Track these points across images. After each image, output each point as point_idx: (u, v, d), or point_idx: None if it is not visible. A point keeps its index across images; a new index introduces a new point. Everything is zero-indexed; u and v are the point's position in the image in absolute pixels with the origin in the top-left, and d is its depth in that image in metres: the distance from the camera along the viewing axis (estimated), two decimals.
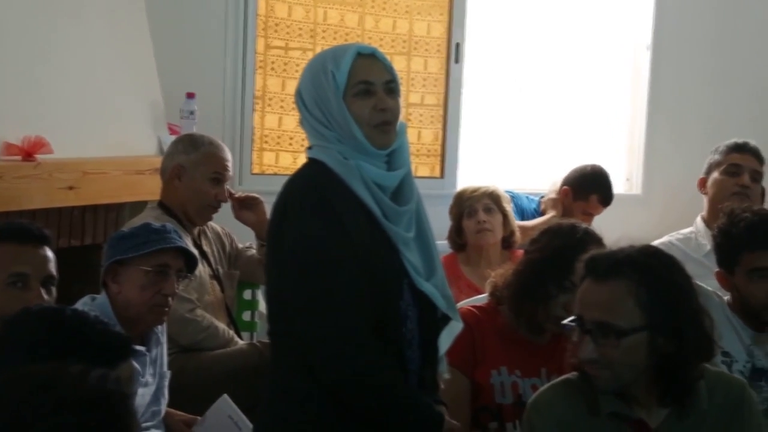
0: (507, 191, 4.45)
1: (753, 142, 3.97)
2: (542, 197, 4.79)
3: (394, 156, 2.30)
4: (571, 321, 2.08)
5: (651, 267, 2.08)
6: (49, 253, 2.47)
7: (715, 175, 3.89)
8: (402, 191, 2.30)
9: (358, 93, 2.24)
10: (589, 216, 4.55)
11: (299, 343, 2.21)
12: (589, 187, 4.61)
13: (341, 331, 2.15)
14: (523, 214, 4.61)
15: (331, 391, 2.19)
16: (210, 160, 3.62)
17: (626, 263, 2.07)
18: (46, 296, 2.42)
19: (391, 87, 2.29)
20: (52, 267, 2.46)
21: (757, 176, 3.90)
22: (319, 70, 2.28)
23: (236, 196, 3.74)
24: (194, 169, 3.59)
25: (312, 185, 2.24)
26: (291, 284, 2.21)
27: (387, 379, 2.20)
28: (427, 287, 2.27)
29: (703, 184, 3.93)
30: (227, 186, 3.68)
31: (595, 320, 2.03)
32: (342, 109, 2.23)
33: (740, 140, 3.96)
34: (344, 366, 2.16)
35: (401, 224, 2.27)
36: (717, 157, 3.93)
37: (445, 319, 2.36)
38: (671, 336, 2.04)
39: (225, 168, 3.64)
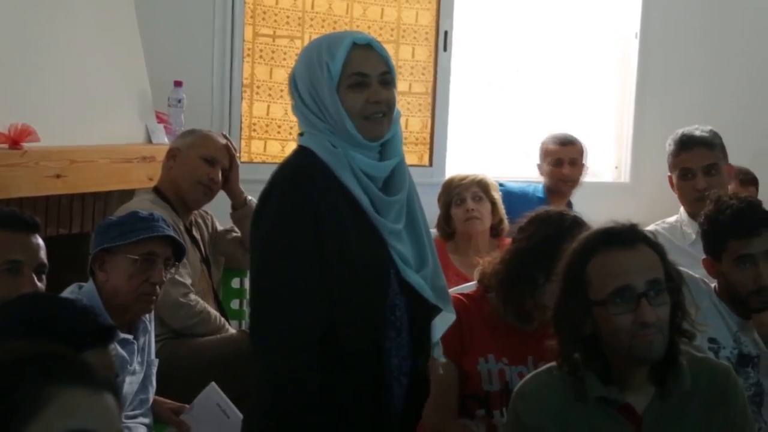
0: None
1: (701, 130, 3.77)
2: None
3: (387, 146, 2.29)
4: (614, 294, 2.06)
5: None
6: (41, 242, 2.48)
7: (675, 178, 3.77)
8: (393, 181, 2.29)
9: (351, 85, 2.23)
10: (562, 165, 4.69)
11: (251, 328, 2.26)
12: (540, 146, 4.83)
13: (282, 329, 2.15)
14: None
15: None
16: (204, 142, 3.69)
17: (635, 229, 2.14)
18: (39, 284, 2.42)
19: (386, 78, 2.27)
20: (44, 255, 2.46)
21: (713, 168, 3.69)
22: (313, 59, 2.25)
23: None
24: (188, 149, 3.65)
25: (297, 175, 2.24)
26: (255, 272, 2.25)
27: (302, 396, 2.15)
28: (414, 278, 2.27)
29: (672, 182, 3.81)
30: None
31: (648, 279, 2.06)
32: (335, 101, 2.22)
33: (687, 131, 3.78)
34: (273, 362, 2.16)
35: (390, 215, 2.26)
36: (670, 156, 3.79)
37: (439, 309, 2.36)
38: (673, 287, 2.10)
39: (219, 152, 3.68)
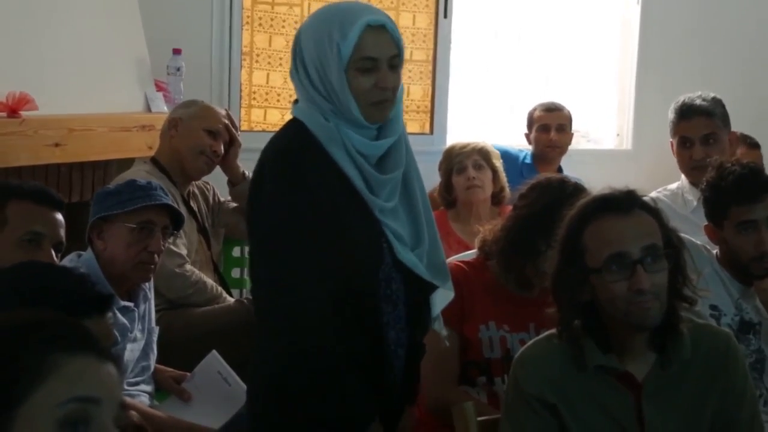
0: None
1: (702, 98, 3.77)
2: None
3: (386, 124, 2.25)
4: (610, 261, 2.04)
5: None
6: (63, 220, 2.49)
7: (675, 145, 3.79)
8: (388, 159, 2.25)
9: (360, 68, 2.18)
10: (549, 131, 4.72)
11: (259, 307, 2.26)
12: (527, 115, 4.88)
13: (295, 309, 2.14)
14: None
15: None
16: (207, 114, 3.70)
17: (632, 195, 2.11)
18: (55, 260, 2.44)
19: (395, 62, 2.23)
20: (63, 233, 2.48)
21: (712, 137, 3.71)
22: (323, 35, 2.18)
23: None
24: (191, 119, 3.65)
25: (288, 150, 2.21)
26: (257, 253, 2.24)
27: (325, 365, 2.15)
28: (408, 257, 2.24)
29: (673, 148, 3.82)
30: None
31: (644, 246, 2.04)
32: (342, 82, 2.17)
33: (688, 99, 3.78)
34: (292, 343, 2.15)
35: (382, 193, 2.23)
36: (671, 124, 3.80)
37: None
38: (672, 253, 2.08)
39: (221, 124, 3.69)
